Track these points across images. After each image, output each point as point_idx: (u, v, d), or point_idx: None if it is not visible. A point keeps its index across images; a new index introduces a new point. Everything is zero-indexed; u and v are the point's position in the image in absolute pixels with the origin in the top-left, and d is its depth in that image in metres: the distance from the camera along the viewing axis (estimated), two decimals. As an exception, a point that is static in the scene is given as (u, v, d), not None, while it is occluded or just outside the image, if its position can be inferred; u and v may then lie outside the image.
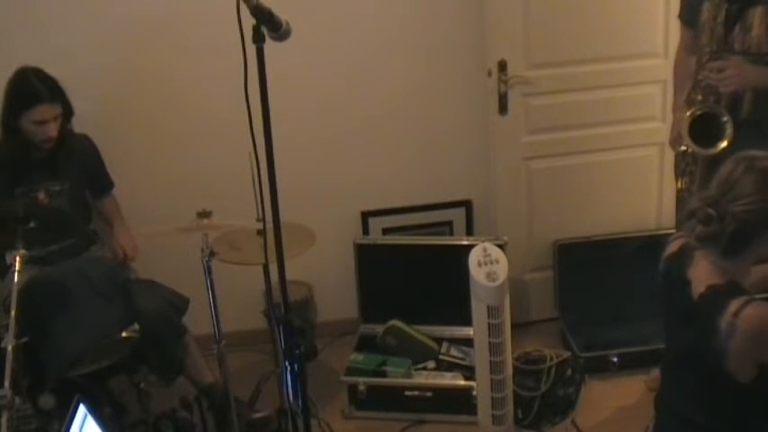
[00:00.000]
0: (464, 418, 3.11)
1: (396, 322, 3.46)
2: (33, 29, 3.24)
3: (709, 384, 1.89)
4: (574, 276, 3.66)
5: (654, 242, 3.46)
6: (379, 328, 3.48)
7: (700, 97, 2.82)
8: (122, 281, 2.95)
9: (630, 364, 3.33)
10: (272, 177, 1.96)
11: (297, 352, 2.12)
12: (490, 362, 2.78)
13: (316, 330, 3.75)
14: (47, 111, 2.89)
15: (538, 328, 3.73)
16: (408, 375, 3.28)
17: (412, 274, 3.57)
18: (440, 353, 3.43)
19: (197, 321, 3.01)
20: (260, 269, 2.71)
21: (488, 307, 2.70)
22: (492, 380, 2.80)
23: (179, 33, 3.35)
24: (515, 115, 3.50)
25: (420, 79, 3.57)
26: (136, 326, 2.82)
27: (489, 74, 3.43)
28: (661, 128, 3.52)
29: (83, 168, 3.13)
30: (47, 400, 2.68)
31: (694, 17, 2.84)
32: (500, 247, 2.86)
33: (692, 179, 2.93)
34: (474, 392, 3.04)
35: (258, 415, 3.01)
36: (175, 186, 3.51)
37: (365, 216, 3.72)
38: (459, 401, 3.14)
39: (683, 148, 2.93)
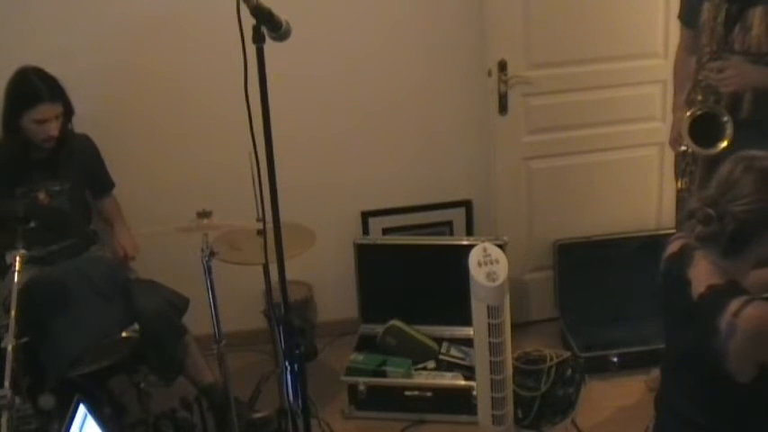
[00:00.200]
0: (464, 418, 3.11)
1: (396, 322, 3.47)
2: (33, 29, 3.24)
3: (709, 384, 1.89)
4: (574, 276, 3.66)
5: (654, 242, 3.47)
6: (379, 328, 3.48)
7: (700, 97, 2.82)
8: (122, 281, 2.95)
9: (630, 364, 3.33)
10: (272, 177, 1.96)
11: (297, 352, 2.12)
12: (490, 362, 2.77)
13: (316, 330, 3.75)
14: (48, 110, 2.89)
15: (538, 328, 3.73)
16: (408, 375, 3.28)
17: (412, 274, 3.57)
18: (440, 353, 3.43)
19: (197, 321, 3.01)
20: (260, 269, 2.71)
21: (488, 307, 2.70)
22: (492, 380, 2.80)
23: (179, 33, 3.35)
24: (515, 115, 3.50)
25: (420, 79, 3.57)
26: (136, 326, 2.82)
27: (489, 74, 3.43)
28: (661, 128, 3.52)
29: (83, 168, 3.13)
30: (47, 400, 2.67)
31: (694, 17, 2.84)
32: (500, 247, 2.85)
33: (691, 179, 2.93)
34: (474, 392, 3.04)
35: (258, 415, 3.01)
36: (175, 186, 3.51)
37: (365, 216, 3.72)
38: (460, 401, 3.14)
39: (683, 148, 2.93)
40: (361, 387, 3.21)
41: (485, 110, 3.54)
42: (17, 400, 2.24)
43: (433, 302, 3.54)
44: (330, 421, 3.18)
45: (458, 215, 3.77)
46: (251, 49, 1.86)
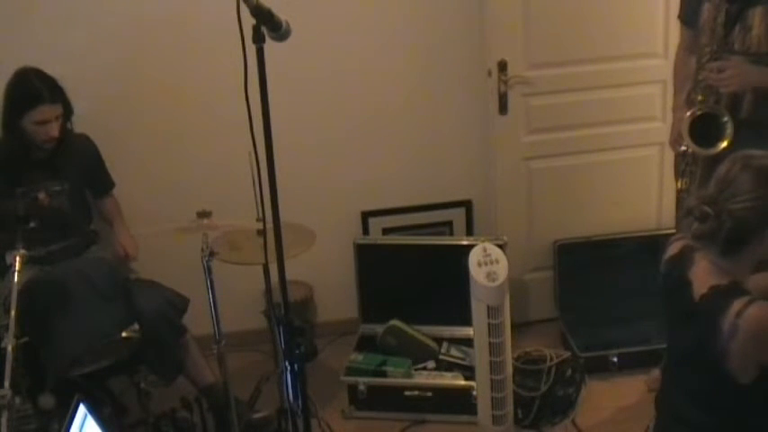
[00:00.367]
0: (464, 418, 3.11)
1: (396, 322, 3.46)
2: (33, 29, 3.24)
3: (710, 385, 1.89)
4: (574, 276, 3.66)
5: (654, 242, 3.47)
6: (379, 328, 3.48)
7: (700, 97, 2.82)
8: (122, 281, 2.95)
9: (630, 364, 3.33)
10: (272, 177, 1.96)
11: (297, 352, 2.12)
12: (490, 362, 2.77)
13: (316, 330, 3.75)
14: (48, 111, 2.89)
15: (538, 328, 3.73)
16: (408, 375, 3.28)
17: (412, 274, 3.57)
18: (440, 353, 3.43)
19: (197, 321, 3.01)
20: (260, 269, 2.72)
21: (488, 307, 2.70)
22: (492, 380, 2.80)
23: (179, 33, 3.35)
24: (515, 115, 3.50)
25: (420, 79, 3.57)
26: (136, 326, 2.82)
27: (489, 74, 3.43)
28: (661, 128, 3.52)
29: (83, 168, 3.13)
30: (47, 400, 2.68)
31: (694, 17, 2.84)
32: (500, 247, 2.85)
33: (692, 179, 2.92)
34: (474, 392, 3.03)
35: (258, 415, 3.01)
36: (175, 186, 3.51)
37: (365, 216, 3.72)
38: (460, 401, 3.14)
39: (684, 148, 2.92)
40: (361, 387, 3.21)
41: (485, 110, 3.54)
42: (17, 400, 2.24)
43: (433, 302, 3.53)
44: (330, 421, 3.18)
45: (458, 215, 3.77)
46: (251, 50, 1.86)
